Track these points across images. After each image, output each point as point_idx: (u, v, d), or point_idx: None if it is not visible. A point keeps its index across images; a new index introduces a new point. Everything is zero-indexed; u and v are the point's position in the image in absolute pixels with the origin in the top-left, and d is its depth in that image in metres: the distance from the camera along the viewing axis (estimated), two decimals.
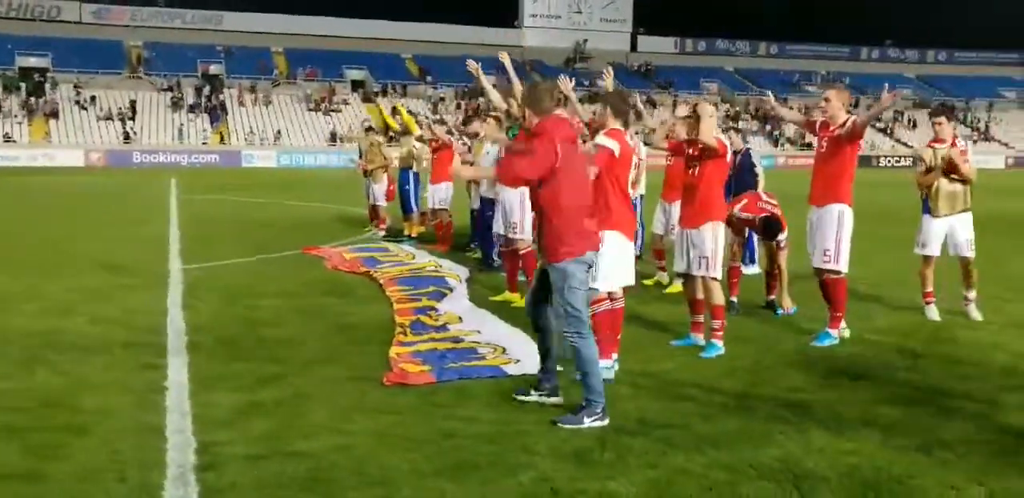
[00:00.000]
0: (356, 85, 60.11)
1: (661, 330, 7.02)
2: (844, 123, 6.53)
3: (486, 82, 8.37)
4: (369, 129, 15.35)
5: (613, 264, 5.64)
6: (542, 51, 67.46)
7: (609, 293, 5.75)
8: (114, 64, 56.09)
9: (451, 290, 8.29)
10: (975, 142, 62.21)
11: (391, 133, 14.24)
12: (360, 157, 14.55)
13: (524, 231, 8.13)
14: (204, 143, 49.27)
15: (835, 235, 6.56)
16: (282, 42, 62.01)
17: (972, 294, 7.65)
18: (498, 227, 8.53)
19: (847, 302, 6.81)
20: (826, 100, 6.73)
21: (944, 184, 7.44)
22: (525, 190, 8.16)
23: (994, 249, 10.61)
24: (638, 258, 10.24)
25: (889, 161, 55.34)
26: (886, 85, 7.18)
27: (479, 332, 6.77)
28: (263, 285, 8.91)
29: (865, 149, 57.94)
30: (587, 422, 4.64)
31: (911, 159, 8.11)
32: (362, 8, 63.60)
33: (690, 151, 6.44)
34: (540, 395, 5.10)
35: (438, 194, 12.39)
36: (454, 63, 63.97)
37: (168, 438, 4.43)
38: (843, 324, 6.78)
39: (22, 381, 5.37)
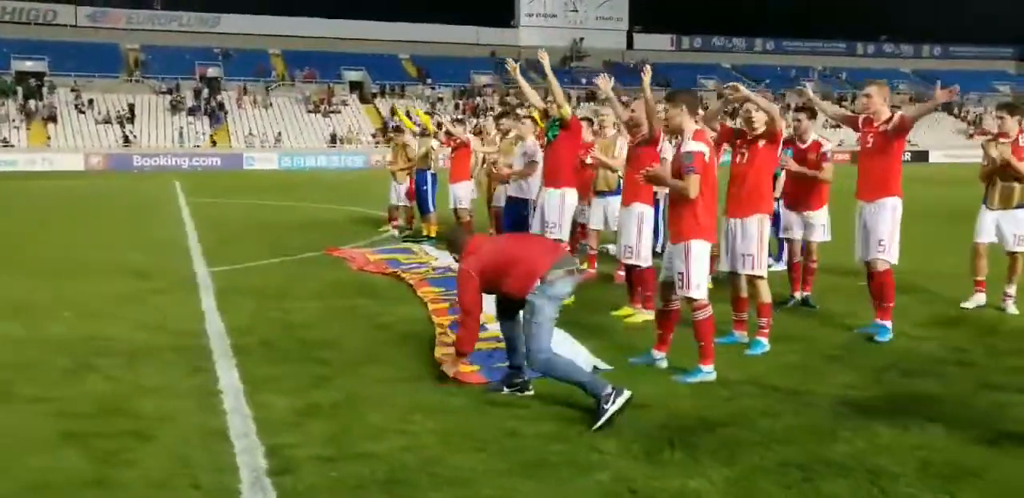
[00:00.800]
0: (354, 86, 60.04)
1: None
2: (890, 118, 6.58)
3: (524, 82, 8.36)
4: (396, 129, 15.30)
5: (705, 272, 5.69)
6: (539, 50, 67.40)
7: (692, 301, 5.68)
8: (111, 67, 55.96)
9: None
10: (971, 136, 62.42)
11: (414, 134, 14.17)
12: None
13: (563, 231, 8.07)
14: (197, 146, 49.04)
15: (889, 227, 6.63)
16: (279, 44, 61.95)
17: (1012, 290, 7.69)
18: (535, 226, 8.48)
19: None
20: (867, 96, 6.76)
21: (1000, 179, 7.52)
22: (567, 191, 8.12)
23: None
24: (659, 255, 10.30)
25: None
26: (939, 82, 7.31)
27: None
28: (293, 287, 8.89)
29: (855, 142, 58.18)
30: (611, 408, 4.62)
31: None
32: (359, 9, 63.54)
33: (738, 139, 6.39)
34: (512, 391, 5.26)
35: (458, 193, 12.36)
36: (451, 63, 64.31)
37: (234, 442, 4.41)
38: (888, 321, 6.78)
39: (74, 388, 5.34)
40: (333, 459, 4.17)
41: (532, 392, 5.23)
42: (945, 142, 59.98)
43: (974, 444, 4.37)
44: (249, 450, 4.29)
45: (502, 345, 6.22)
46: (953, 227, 13.88)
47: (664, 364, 5.86)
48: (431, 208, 13.15)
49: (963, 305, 7.80)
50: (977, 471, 4.01)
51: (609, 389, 4.70)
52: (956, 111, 67.78)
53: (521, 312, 5.18)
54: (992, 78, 72.56)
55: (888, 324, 6.67)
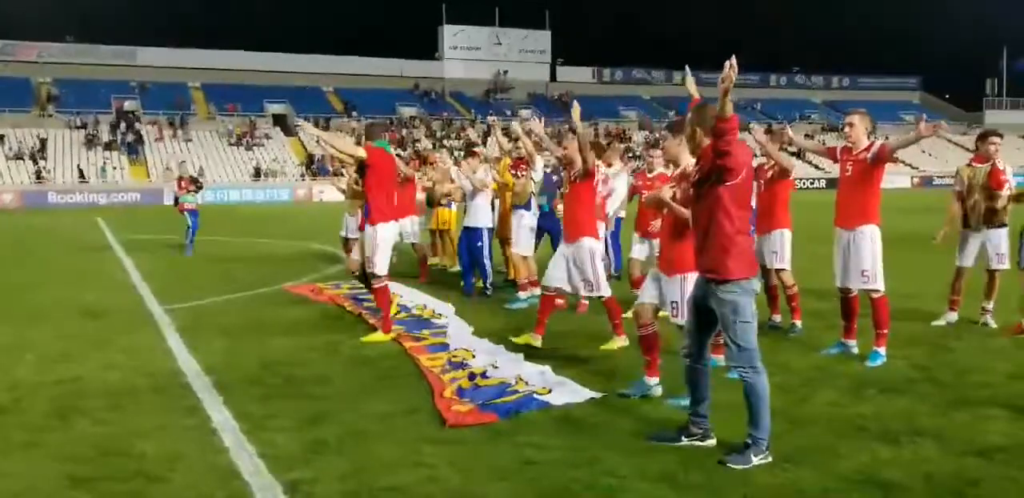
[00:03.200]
0: (277, 119, 59.51)
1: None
2: (870, 147, 6.78)
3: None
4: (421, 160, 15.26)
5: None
6: (463, 82, 68.10)
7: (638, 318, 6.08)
8: (22, 102, 54.40)
9: (446, 329, 8.26)
10: None
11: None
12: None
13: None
14: (116, 181, 47.95)
15: (871, 255, 6.81)
16: (199, 77, 61.19)
17: (990, 305, 8.25)
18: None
19: (857, 318, 7.11)
20: (849, 125, 6.97)
21: (981, 200, 8.00)
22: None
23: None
24: (617, 278, 10.50)
25: (803, 183, 57.20)
26: (924, 116, 7.61)
27: (495, 367, 6.71)
28: (260, 324, 8.77)
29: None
30: (755, 460, 4.47)
31: (951, 177, 8.77)
32: (281, 43, 63.43)
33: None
34: (692, 440, 4.86)
35: (405, 229, 12.28)
36: (376, 95, 64.31)
37: (248, 480, 4.35)
38: (853, 341, 7.07)
39: (66, 432, 5.19)
40: (356, 493, 4.16)
41: (714, 441, 4.86)
42: None
43: (968, 456, 4.59)
44: (268, 488, 4.24)
45: (489, 382, 6.22)
46: (900, 251, 14.49)
47: (659, 391, 5.96)
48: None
49: (935, 323, 8.28)
50: (978, 482, 4.22)
51: (767, 445, 4.56)
52: None
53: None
54: (898, 108, 75.74)
55: (883, 350, 6.83)
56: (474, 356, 7.10)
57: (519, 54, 70.42)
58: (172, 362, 7.06)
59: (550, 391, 5.93)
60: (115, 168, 48.92)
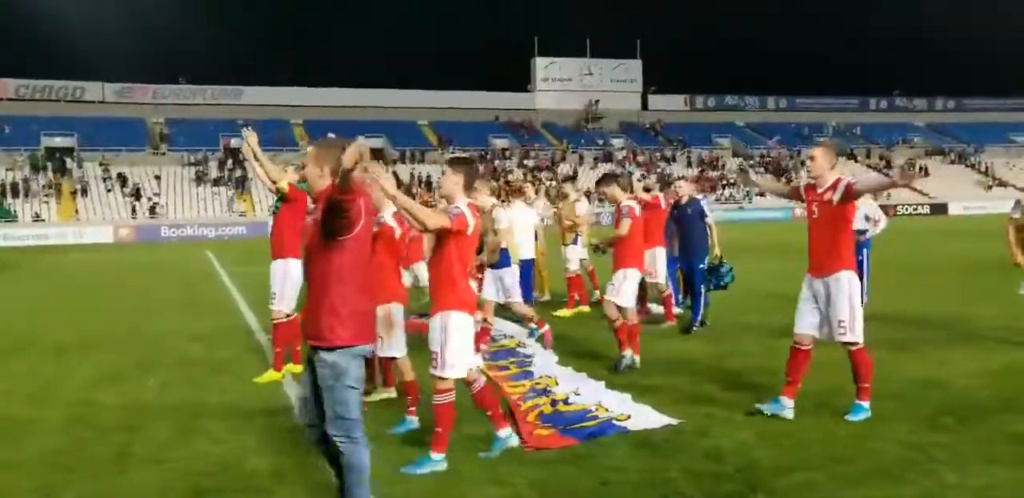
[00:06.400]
0: (375, 153, 61.36)
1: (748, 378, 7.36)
2: (835, 185, 6.20)
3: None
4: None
5: (463, 349, 5.36)
6: (555, 113, 69.00)
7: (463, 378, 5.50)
8: (137, 141, 57.60)
9: (532, 359, 8.55)
10: (989, 188, 62.84)
11: None
12: None
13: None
14: (233, 213, 50.19)
15: (848, 304, 6.18)
16: (300, 114, 63.68)
17: None
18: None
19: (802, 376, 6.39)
20: (811, 158, 6.38)
21: None
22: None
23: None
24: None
25: (907, 209, 55.76)
26: (903, 165, 7.55)
27: (577, 394, 6.99)
28: None
29: (883, 198, 58.70)
30: None
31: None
32: (378, 78, 65.53)
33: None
34: None
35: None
36: (470, 128, 65.74)
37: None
38: (791, 400, 6.30)
39: (189, 449, 5.75)
40: None
41: None
42: (963, 194, 60.37)
43: None
44: None
45: (571, 408, 6.54)
46: (977, 278, 14.28)
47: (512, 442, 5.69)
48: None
49: None
50: None
51: None
52: (973, 163, 68.34)
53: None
54: (1008, 129, 73.23)
55: (866, 404, 6.22)
56: (557, 383, 7.44)
57: (611, 83, 71.06)
58: (278, 386, 7.62)
59: (629, 417, 6.23)
60: (227, 203, 51.28)
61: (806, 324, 6.32)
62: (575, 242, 12.22)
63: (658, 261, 10.38)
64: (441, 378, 5.31)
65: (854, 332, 6.18)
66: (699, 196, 10.92)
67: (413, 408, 6.31)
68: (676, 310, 10.95)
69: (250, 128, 8.15)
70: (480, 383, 5.67)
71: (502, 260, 9.03)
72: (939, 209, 56.83)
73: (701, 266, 10.35)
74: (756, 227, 41.28)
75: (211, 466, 5.34)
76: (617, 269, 8.18)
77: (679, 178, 10.79)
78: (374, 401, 6.96)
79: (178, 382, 7.94)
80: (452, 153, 61.08)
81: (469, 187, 5.45)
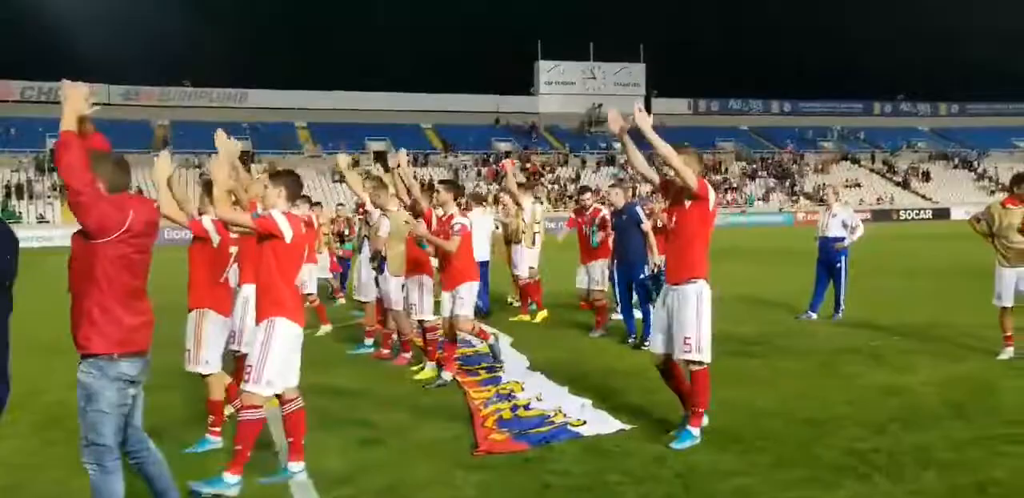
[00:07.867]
0: (378, 156, 61.57)
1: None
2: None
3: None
4: (340, 205, 15.68)
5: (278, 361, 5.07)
6: (558, 116, 69.19)
7: (278, 395, 5.15)
8: (141, 143, 57.92)
9: (503, 364, 8.63)
10: (993, 193, 62.76)
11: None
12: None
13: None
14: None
15: (694, 320, 5.67)
16: (304, 117, 63.97)
17: None
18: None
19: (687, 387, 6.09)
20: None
21: (1018, 240, 8.24)
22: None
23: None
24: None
25: (910, 214, 55.76)
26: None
27: (539, 399, 7.11)
28: (324, 357, 9.49)
29: (885, 203, 58.75)
30: None
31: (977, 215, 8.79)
32: (381, 81, 65.84)
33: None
34: None
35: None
36: (472, 131, 66.00)
37: (295, 496, 4.96)
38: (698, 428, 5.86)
39: None
40: None
41: None
42: (965, 199, 60.32)
43: (963, 490, 4.82)
44: None
45: (530, 414, 6.69)
46: (972, 282, 14.34)
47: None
48: None
49: (998, 357, 8.43)
50: None
51: None
52: (976, 168, 68.28)
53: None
54: (1011, 134, 73.15)
55: (697, 431, 5.71)
56: (523, 389, 7.59)
57: (614, 87, 71.21)
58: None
59: (584, 423, 6.36)
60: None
61: (657, 343, 6.03)
62: (533, 245, 12.42)
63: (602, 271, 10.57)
64: (252, 394, 4.92)
65: (700, 350, 5.70)
66: (635, 201, 10.33)
67: (217, 428, 5.99)
68: (615, 316, 10.73)
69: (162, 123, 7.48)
70: (295, 405, 5.21)
71: (380, 266, 9.17)
72: (942, 214, 56.84)
73: (642, 277, 9.62)
74: (755, 232, 41.25)
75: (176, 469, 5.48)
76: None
77: (611, 185, 10.67)
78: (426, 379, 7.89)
79: (158, 388, 8.06)
80: (456, 157, 61.41)
81: (292, 199, 5.38)
